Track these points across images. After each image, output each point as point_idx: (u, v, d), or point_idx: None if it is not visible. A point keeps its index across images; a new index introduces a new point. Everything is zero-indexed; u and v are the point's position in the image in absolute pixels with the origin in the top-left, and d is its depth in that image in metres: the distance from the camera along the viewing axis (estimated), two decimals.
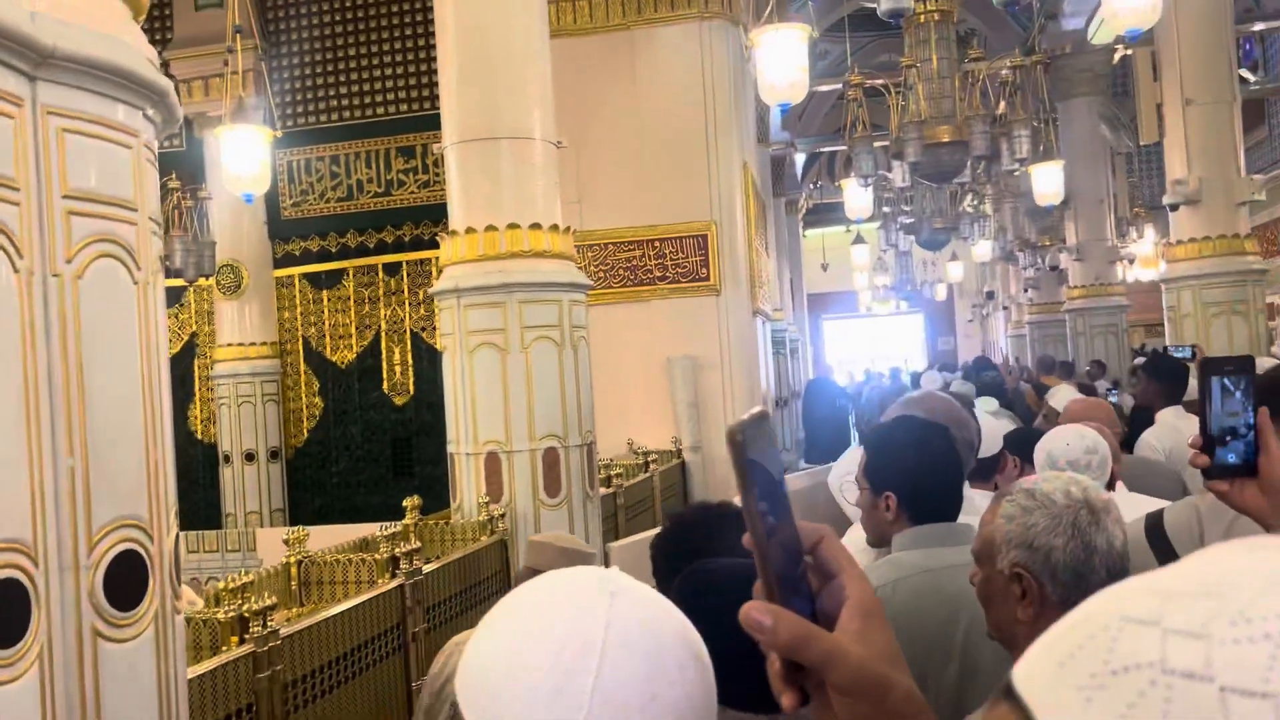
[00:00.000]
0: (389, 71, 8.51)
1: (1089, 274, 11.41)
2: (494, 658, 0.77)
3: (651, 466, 6.44)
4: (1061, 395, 5.34)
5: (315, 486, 8.76)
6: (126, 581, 1.41)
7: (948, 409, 2.45)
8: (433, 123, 7.92)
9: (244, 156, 5.86)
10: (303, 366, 8.87)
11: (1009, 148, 6.88)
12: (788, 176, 14.11)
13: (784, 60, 5.34)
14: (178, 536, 1.59)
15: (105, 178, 1.44)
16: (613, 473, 5.61)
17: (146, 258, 1.52)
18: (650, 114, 7.38)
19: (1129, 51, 9.39)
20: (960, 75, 6.47)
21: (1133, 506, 2.13)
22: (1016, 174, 9.92)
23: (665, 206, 7.34)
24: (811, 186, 16.28)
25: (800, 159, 14.77)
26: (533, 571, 3.16)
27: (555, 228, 4.48)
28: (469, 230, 4.42)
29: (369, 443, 8.70)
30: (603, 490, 5.11)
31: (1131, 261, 13.88)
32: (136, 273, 1.49)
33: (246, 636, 2.55)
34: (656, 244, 7.41)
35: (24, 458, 1.29)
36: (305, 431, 8.84)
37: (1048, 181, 8.89)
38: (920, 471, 1.88)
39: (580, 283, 4.62)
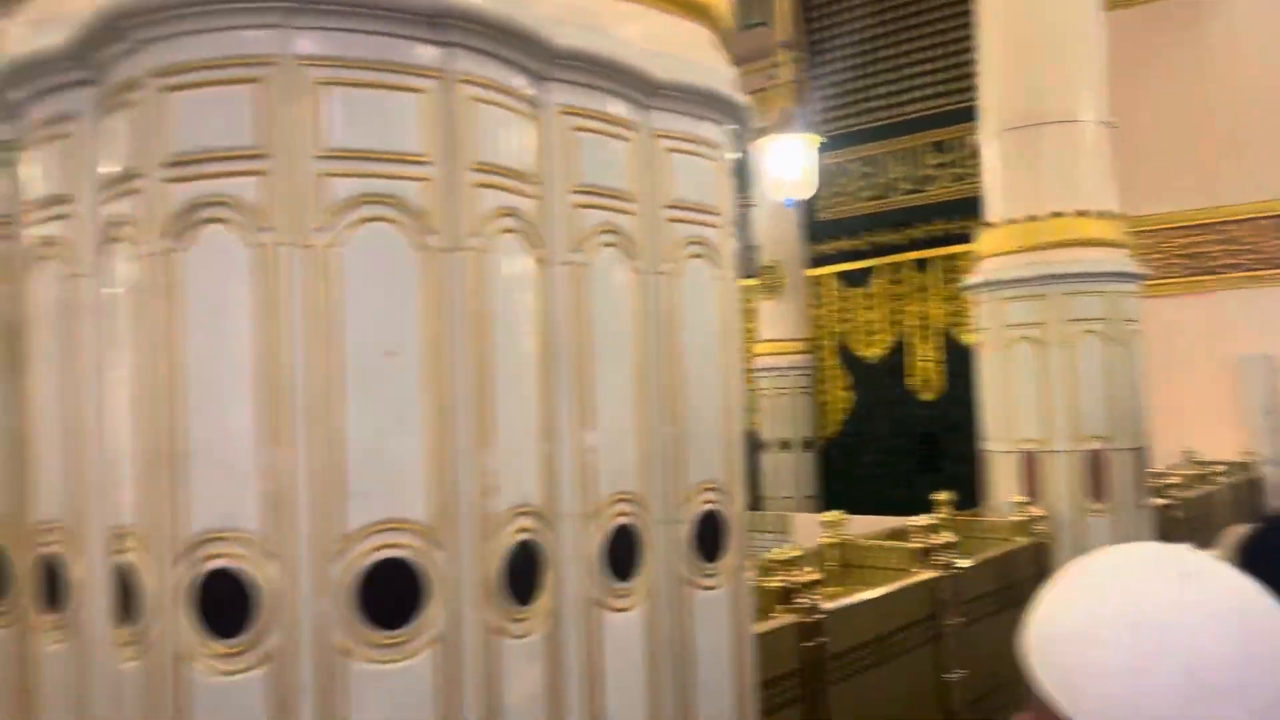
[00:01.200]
0: (923, 69, 8.51)
1: None
2: (1067, 627, 0.79)
3: (1216, 479, 5.72)
4: None
5: (844, 477, 9.06)
6: (710, 537, 1.62)
7: None
8: (966, 115, 7.77)
9: (789, 163, 6.26)
10: (834, 361, 9.22)
11: None
12: None
13: None
14: (744, 503, 1.78)
15: (698, 188, 1.66)
16: (1167, 483, 5.09)
17: (726, 256, 1.73)
18: (1218, 82, 6.54)
19: None
20: None
21: None
22: None
23: (1235, 184, 6.46)
24: None
25: None
26: None
27: (1103, 214, 4.18)
28: (1007, 221, 4.29)
29: (896, 437, 8.79)
30: (1155, 501, 4.66)
31: None
32: (718, 270, 1.70)
33: (791, 607, 2.75)
34: (1223, 227, 6.54)
35: (636, 425, 1.55)
36: (836, 423, 9.18)
37: None
38: None
39: (1131, 272, 4.26)
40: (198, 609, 1.22)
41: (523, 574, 1.35)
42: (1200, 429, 6.31)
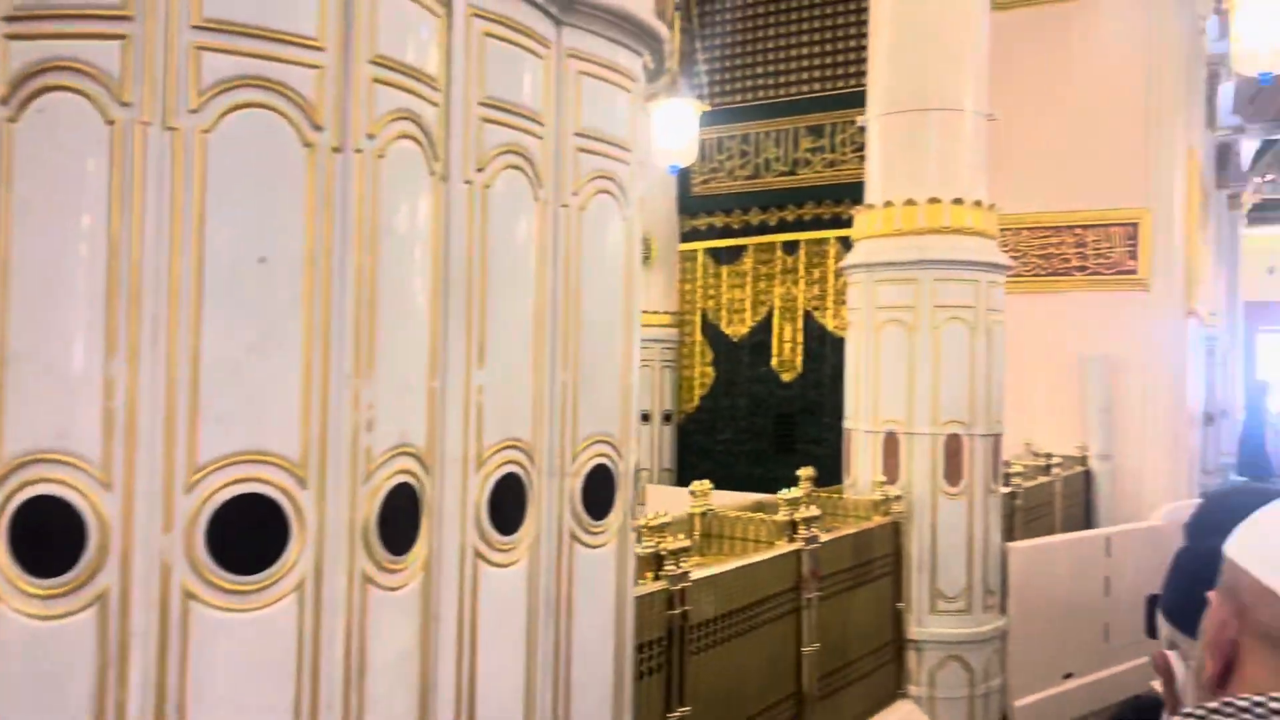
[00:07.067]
0: (804, 52, 8.57)
1: None
2: None
3: (1054, 471, 5.99)
4: None
5: (702, 451, 9.12)
6: (599, 493, 1.52)
7: None
8: (843, 102, 7.85)
9: (674, 130, 6.18)
10: (699, 337, 9.24)
11: None
12: (1233, 167, 12.44)
13: (1269, 23, 4.67)
14: (635, 460, 1.69)
15: (608, 119, 1.55)
16: (1011, 471, 5.29)
17: (632, 196, 1.62)
18: (1081, 91, 6.81)
19: None
20: None
21: None
22: None
23: (1091, 191, 6.76)
24: (1260, 179, 14.23)
25: (1249, 148, 12.94)
26: None
27: (978, 204, 4.28)
28: (886, 204, 4.33)
29: (754, 416, 8.89)
30: (1002, 489, 4.83)
31: None
32: (625, 210, 1.59)
33: (661, 574, 2.69)
34: (1078, 231, 6.85)
35: (530, 368, 1.43)
36: (697, 399, 9.22)
37: None
38: None
39: (1000, 263, 4.37)
40: (11, 542, 1.04)
41: (399, 520, 1.22)
42: (1041, 422, 6.60)
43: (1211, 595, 0.89)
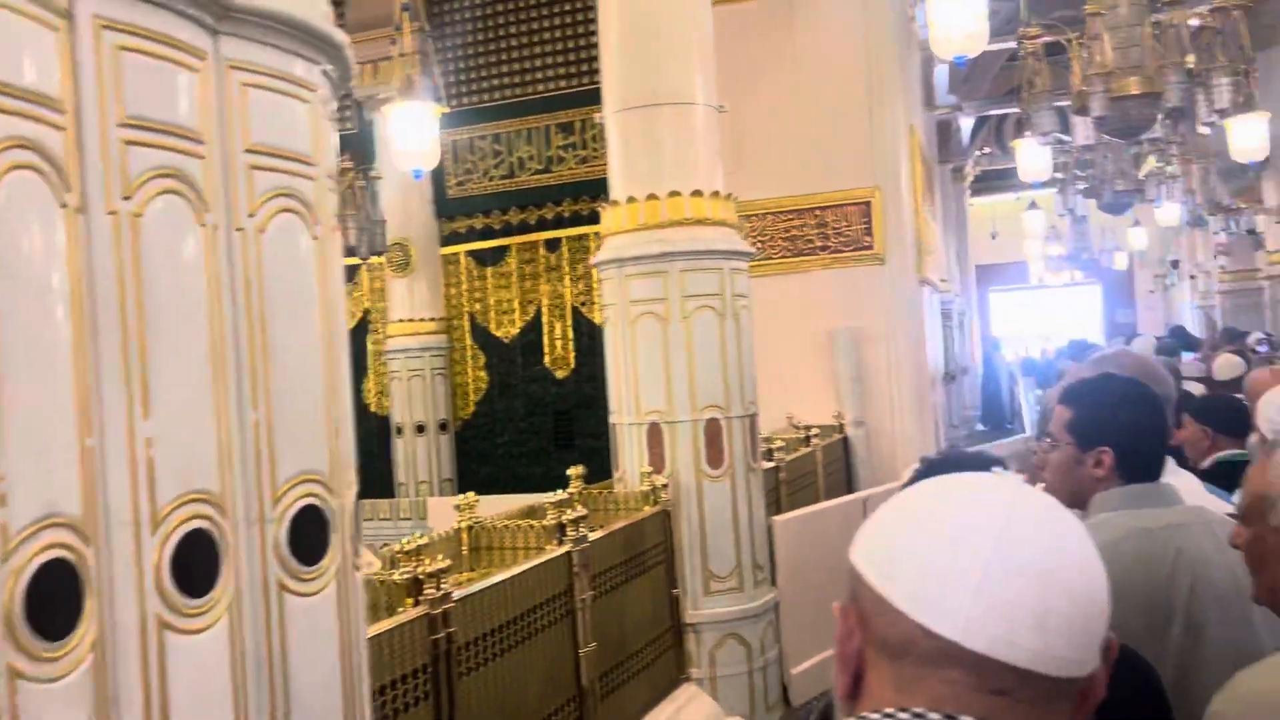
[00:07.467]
0: (548, 49, 8.58)
1: None
2: (895, 526, 0.80)
3: (813, 441, 6.29)
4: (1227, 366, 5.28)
5: (481, 457, 9.00)
6: (309, 536, 1.42)
7: (1142, 365, 2.33)
8: (591, 98, 7.91)
9: (413, 132, 6.01)
10: (469, 341, 9.10)
11: (1206, 99, 6.33)
12: (954, 142, 13.54)
13: (961, 10, 5.07)
14: (358, 495, 1.59)
15: (285, 133, 1.44)
16: (773, 447, 5.50)
17: (324, 214, 1.52)
18: (809, 79, 7.17)
19: None
20: (1151, 23, 5.97)
21: None
22: (1209, 131, 9.16)
23: (826, 174, 7.13)
24: (979, 152, 15.56)
25: (967, 125, 14.12)
26: None
27: (716, 194, 4.39)
28: (630, 199, 4.38)
29: (531, 415, 8.86)
30: (764, 464, 5.00)
31: None
32: (315, 228, 1.49)
33: (421, 599, 2.59)
34: (817, 212, 7.21)
35: (211, 411, 1.30)
36: (472, 404, 9.08)
37: (1249, 135, 8.16)
38: (1138, 428, 1.79)
39: (742, 250, 4.52)
40: None
41: (53, 601, 1.07)
42: (799, 396, 6.92)
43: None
